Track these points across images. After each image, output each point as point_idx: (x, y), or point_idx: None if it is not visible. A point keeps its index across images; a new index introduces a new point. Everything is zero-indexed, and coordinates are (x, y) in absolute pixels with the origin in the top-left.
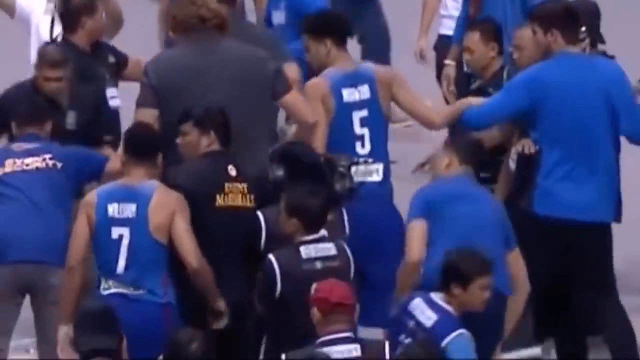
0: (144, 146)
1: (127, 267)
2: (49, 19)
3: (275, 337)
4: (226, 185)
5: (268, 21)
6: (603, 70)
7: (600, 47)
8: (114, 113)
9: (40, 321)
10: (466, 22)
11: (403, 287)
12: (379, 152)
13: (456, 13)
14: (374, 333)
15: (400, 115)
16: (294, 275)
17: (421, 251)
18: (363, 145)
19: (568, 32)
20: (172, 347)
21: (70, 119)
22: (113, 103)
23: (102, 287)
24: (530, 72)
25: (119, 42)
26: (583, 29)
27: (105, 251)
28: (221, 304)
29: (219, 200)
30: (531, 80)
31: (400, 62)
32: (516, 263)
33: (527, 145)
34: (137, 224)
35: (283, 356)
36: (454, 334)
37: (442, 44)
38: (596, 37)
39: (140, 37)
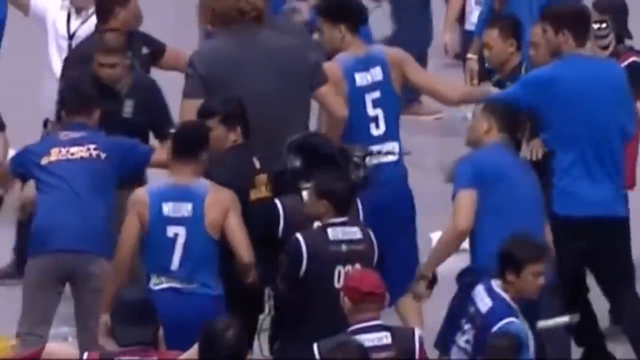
0: (191, 145)
1: (181, 264)
2: (65, 14)
3: (295, 317)
4: (255, 178)
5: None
6: (609, 71)
7: (627, 42)
8: None
9: (81, 309)
10: (488, 17)
11: (444, 254)
12: (393, 132)
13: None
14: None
15: (433, 107)
16: (321, 255)
17: (470, 220)
18: (377, 126)
19: (579, 34)
20: (208, 335)
21: (128, 108)
22: None
23: (152, 282)
24: (545, 72)
25: None
26: (604, 25)
27: (159, 249)
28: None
29: (252, 195)
30: (545, 80)
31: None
32: (548, 233)
33: (534, 151)
34: (193, 223)
35: (315, 345)
36: (503, 322)
37: (467, 40)
38: (623, 32)
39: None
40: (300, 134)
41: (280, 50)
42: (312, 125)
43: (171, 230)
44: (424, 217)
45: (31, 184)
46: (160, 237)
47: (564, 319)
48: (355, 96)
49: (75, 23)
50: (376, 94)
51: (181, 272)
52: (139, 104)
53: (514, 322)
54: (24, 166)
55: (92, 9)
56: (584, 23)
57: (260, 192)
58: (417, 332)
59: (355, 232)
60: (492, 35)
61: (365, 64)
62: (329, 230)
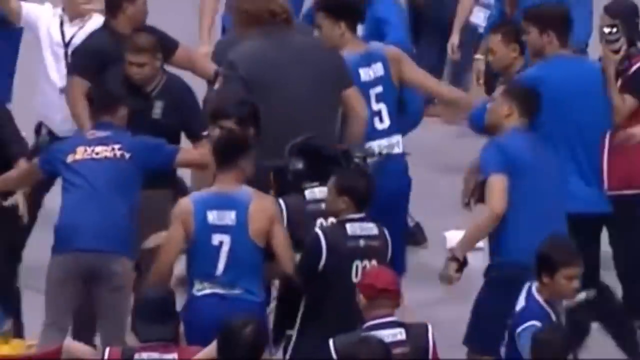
0: (229, 152)
1: (225, 270)
2: (57, 21)
3: (311, 312)
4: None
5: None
6: (590, 69)
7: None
8: None
9: (102, 307)
10: (498, 20)
11: (477, 237)
12: (395, 126)
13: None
14: None
15: None
16: (339, 250)
17: (505, 203)
18: (382, 120)
19: (562, 35)
20: (226, 332)
21: (157, 109)
22: None
23: (195, 288)
24: (531, 73)
25: None
26: (615, 29)
27: (204, 256)
28: None
29: None
30: (532, 81)
31: None
32: None
33: None
34: (237, 231)
35: (330, 341)
36: (527, 324)
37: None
38: (634, 36)
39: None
40: (301, 137)
41: (311, 51)
42: None
43: (216, 238)
44: (438, 216)
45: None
46: (205, 245)
47: (580, 296)
48: (361, 91)
49: (70, 30)
50: (379, 89)
51: (225, 278)
52: (168, 106)
53: (536, 325)
54: (51, 164)
55: (87, 16)
56: (568, 25)
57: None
58: (430, 329)
59: (372, 228)
60: (495, 40)
61: (367, 60)
62: (348, 226)
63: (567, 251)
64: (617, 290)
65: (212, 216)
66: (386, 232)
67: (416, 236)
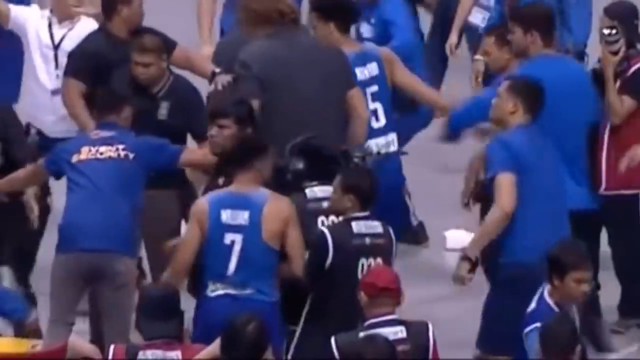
0: (244, 154)
1: (237, 270)
2: (45, 23)
3: (317, 308)
4: None
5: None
6: (577, 70)
7: (639, 46)
8: None
9: (106, 306)
10: (497, 21)
11: (488, 237)
12: (390, 125)
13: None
14: None
15: None
16: (345, 248)
17: (514, 202)
18: (377, 119)
19: (546, 34)
20: (228, 330)
21: (163, 110)
22: None
23: (209, 289)
24: (516, 73)
25: None
26: (614, 31)
27: (216, 255)
28: None
29: None
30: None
31: None
32: None
33: None
34: (250, 231)
35: (332, 339)
36: (534, 325)
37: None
38: (634, 37)
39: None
40: (301, 137)
41: (319, 51)
42: None
43: (228, 238)
44: (438, 216)
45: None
46: (217, 244)
47: None
48: None
49: (59, 32)
50: (374, 88)
51: (236, 278)
52: (174, 106)
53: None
54: (57, 163)
55: (76, 18)
56: (551, 24)
57: None
58: (431, 327)
59: (376, 226)
60: (489, 42)
61: (362, 60)
62: (353, 224)
63: (576, 254)
64: (617, 290)
65: (226, 215)
66: (391, 230)
67: (418, 235)
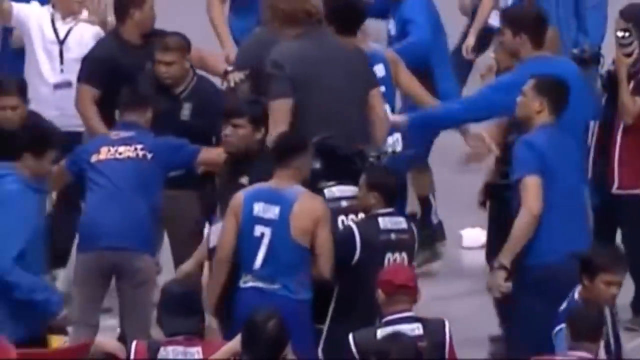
0: (285, 152)
1: (264, 264)
2: (49, 19)
3: (344, 305)
4: None
5: None
6: (570, 70)
7: None
8: None
9: (127, 303)
10: None
11: (521, 242)
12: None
13: None
14: None
15: None
16: (373, 243)
17: (541, 204)
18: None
19: (536, 37)
20: (249, 325)
21: (185, 111)
22: None
23: (242, 280)
24: (512, 76)
25: None
26: (628, 34)
27: (247, 247)
28: None
29: None
30: (510, 86)
31: None
32: None
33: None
34: (279, 226)
35: (350, 336)
36: (563, 325)
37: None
38: None
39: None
40: (317, 137)
41: (345, 52)
42: None
43: (258, 230)
44: (454, 215)
45: None
46: (249, 236)
47: None
48: None
49: (63, 28)
50: (381, 89)
51: (263, 272)
52: (196, 108)
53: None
54: (77, 164)
55: (79, 14)
56: (542, 27)
57: None
58: (448, 324)
59: (401, 222)
60: (497, 43)
61: (370, 61)
62: (380, 220)
63: (608, 257)
64: (630, 288)
65: (258, 207)
66: (414, 226)
67: (437, 234)
